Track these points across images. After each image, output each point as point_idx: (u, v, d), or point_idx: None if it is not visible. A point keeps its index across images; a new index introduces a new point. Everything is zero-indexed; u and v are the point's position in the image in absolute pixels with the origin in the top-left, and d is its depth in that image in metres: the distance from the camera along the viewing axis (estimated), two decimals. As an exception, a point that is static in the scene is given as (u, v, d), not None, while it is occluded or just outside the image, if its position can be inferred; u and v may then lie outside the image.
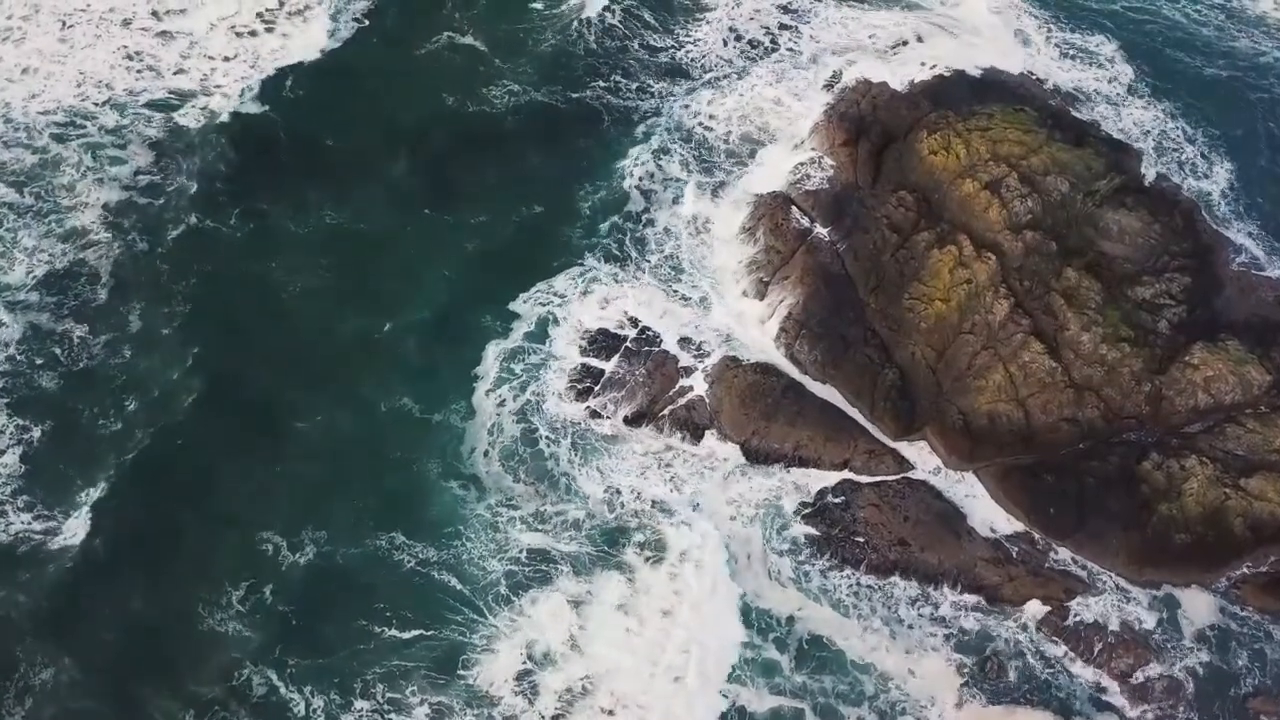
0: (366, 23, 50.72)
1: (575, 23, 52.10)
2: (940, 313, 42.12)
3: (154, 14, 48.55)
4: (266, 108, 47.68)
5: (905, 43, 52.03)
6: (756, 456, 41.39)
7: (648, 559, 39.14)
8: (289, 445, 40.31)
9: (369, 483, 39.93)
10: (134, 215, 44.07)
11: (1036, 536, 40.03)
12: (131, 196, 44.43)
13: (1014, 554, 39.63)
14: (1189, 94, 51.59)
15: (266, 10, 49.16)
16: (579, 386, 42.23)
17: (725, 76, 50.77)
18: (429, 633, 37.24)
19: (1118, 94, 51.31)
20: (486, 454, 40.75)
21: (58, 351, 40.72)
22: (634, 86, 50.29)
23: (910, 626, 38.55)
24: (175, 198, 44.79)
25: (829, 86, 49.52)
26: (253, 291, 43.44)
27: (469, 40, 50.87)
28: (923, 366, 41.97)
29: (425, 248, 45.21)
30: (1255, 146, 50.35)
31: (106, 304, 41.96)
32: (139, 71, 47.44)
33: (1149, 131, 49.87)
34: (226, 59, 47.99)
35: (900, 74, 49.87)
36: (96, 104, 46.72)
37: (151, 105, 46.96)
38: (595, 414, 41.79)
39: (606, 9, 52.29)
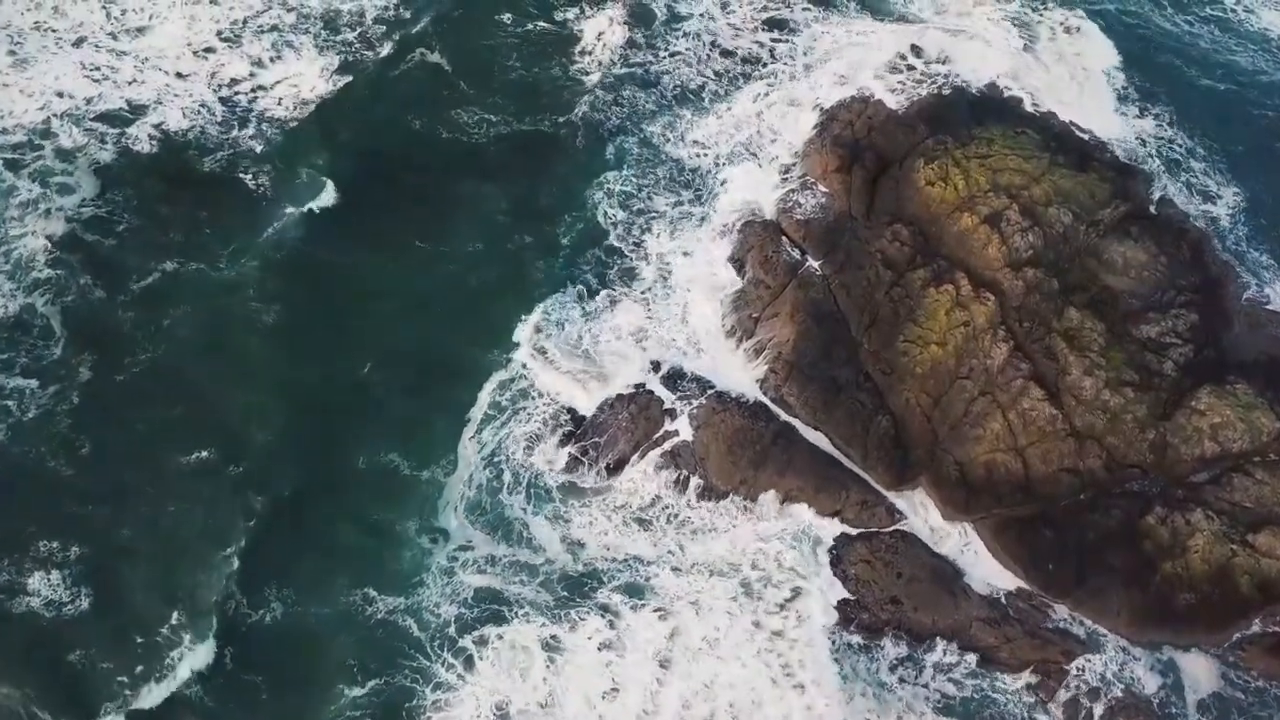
0: (347, 41, 47.85)
1: (568, 44, 49.66)
2: (936, 357, 40.15)
3: (111, 35, 45.80)
4: (231, 131, 44.79)
5: (901, 56, 49.56)
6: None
7: (623, 601, 37.52)
8: (274, 510, 38.10)
9: (346, 540, 38.19)
10: (84, 252, 41.33)
11: (1034, 594, 38.38)
12: (74, 229, 41.62)
13: (1011, 613, 37.98)
14: (1192, 111, 49.94)
15: (230, 26, 46.45)
16: (561, 431, 40.29)
17: (711, 95, 48.34)
18: (382, 681, 35.69)
19: (1119, 107, 49.53)
20: (456, 507, 38.86)
21: (11, 405, 38.32)
22: (613, 102, 47.84)
23: (898, 691, 36.90)
24: (128, 234, 42.06)
25: (820, 105, 47.25)
26: (229, 336, 40.81)
27: (437, 60, 48.22)
28: (918, 413, 40.00)
29: (410, 282, 42.95)
30: (1263, 169, 48.55)
31: (60, 357, 39.46)
32: (94, 86, 44.67)
33: (1149, 147, 48.03)
34: (180, 75, 45.22)
35: (896, 91, 47.61)
36: (56, 114, 44.14)
37: (105, 120, 44.20)
38: (576, 460, 39.91)
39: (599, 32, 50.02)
